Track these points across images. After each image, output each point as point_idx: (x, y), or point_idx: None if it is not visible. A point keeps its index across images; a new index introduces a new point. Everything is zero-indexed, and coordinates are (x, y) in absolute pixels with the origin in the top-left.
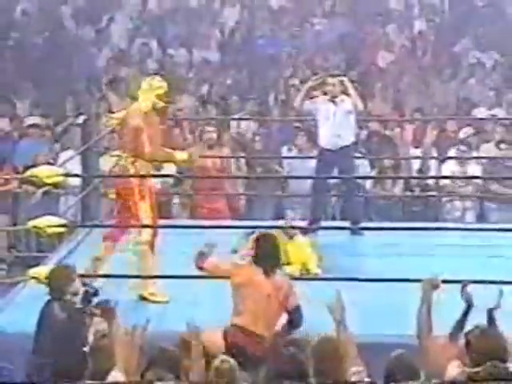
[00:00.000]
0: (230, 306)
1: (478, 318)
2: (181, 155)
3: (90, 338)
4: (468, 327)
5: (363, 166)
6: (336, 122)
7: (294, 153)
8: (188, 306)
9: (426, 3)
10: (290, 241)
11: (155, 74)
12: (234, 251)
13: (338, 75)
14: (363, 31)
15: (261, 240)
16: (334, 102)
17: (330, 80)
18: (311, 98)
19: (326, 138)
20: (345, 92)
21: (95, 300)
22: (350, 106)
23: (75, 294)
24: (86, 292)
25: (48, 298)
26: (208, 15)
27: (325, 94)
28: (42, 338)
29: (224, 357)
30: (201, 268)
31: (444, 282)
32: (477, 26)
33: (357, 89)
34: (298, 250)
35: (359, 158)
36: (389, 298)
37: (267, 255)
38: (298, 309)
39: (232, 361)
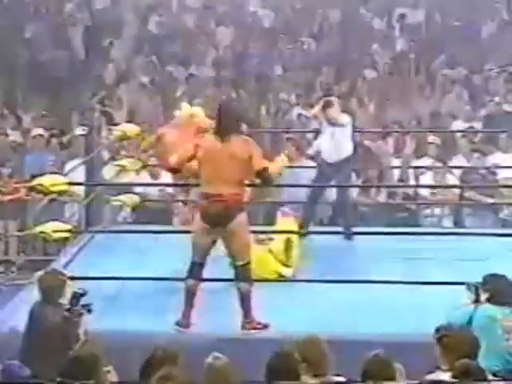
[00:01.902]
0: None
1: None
2: None
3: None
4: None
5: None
6: (335, 140)
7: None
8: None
9: (406, 24)
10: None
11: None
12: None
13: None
14: (349, 50)
15: (221, 109)
16: (333, 124)
17: (328, 111)
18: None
19: (326, 153)
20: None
21: (82, 300)
22: (344, 123)
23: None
24: (75, 293)
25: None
26: (204, 35)
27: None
28: (35, 341)
29: (217, 354)
30: (170, 169)
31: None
32: (454, 45)
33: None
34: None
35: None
36: (376, 298)
37: (225, 123)
38: (265, 170)
39: (225, 358)
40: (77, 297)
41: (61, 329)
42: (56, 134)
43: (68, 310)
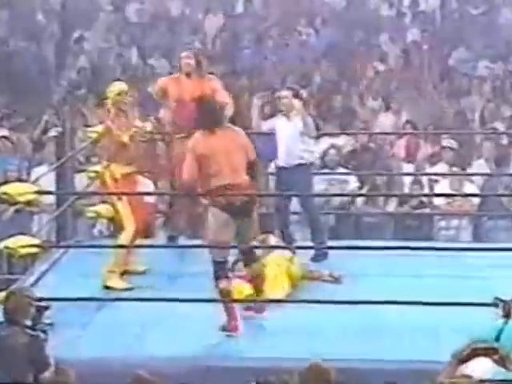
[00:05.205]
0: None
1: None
2: None
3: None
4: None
5: (351, 182)
6: (289, 138)
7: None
8: (165, 332)
9: (419, 12)
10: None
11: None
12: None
13: (292, 89)
14: (354, 40)
15: (201, 106)
16: (288, 116)
17: (283, 93)
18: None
19: (280, 155)
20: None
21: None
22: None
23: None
24: (38, 306)
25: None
26: (190, 24)
27: (280, 110)
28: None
29: None
30: (184, 187)
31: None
32: (472, 36)
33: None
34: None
35: (326, 173)
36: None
37: (207, 117)
38: (256, 162)
39: None
40: (40, 311)
41: (27, 350)
42: (22, 139)
43: (32, 326)
